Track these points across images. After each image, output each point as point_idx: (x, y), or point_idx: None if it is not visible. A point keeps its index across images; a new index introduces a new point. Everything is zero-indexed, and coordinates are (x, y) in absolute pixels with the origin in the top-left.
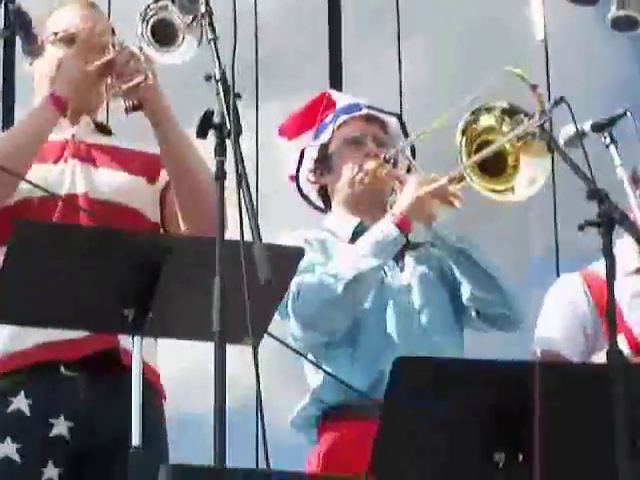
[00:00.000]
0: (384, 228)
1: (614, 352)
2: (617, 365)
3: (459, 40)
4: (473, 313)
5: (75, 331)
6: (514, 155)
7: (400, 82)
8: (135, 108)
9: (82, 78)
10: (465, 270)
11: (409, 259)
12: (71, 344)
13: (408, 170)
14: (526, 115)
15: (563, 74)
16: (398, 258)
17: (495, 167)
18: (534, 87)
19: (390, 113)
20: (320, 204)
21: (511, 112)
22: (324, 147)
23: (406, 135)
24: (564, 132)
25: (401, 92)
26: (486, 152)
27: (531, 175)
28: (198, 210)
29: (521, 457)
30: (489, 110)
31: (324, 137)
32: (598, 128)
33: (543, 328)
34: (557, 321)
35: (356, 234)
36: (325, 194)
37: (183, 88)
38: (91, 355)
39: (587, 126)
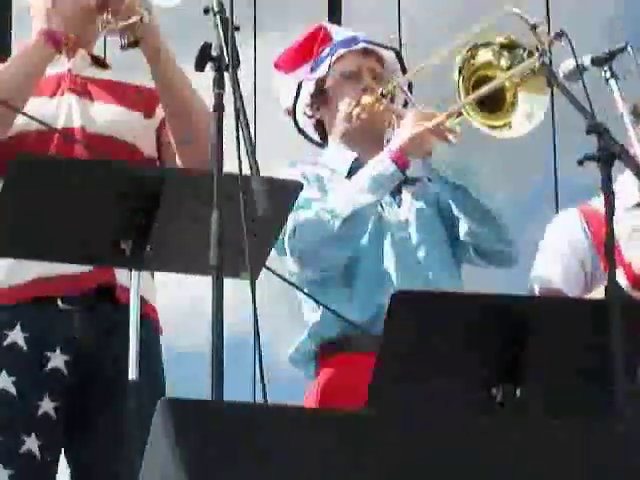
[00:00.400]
0: (381, 163)
1: (613, 286)
2: (616, 299)
3: None
4: (470, 249)
5: (73, 267)
6: (512, 91)
7: (399, 15)
8: (131, 45)
9: (78, 13)
10: (463, 206)
11: (406, 195)
12: (68, 279)
13: (405, 105)
14: (525, 50)
15: (563, 9)
16: (395, 194)
17: (493, 103)
18: (534, 27)
19: (388, 47)
20: (317, 138)
21: (510, 47)
22: (321, 81)
23: (403, 69)
24: (564, 66)
25: (400, 24)
26: (485, 89)
27: (529, 111)
28: (195, 149)
29: (519, 392)
30: (487, 45)
31: (321, 71)
32: (598, 62)
33: (541, 266)
34: (556, 259)
35: (353, 169)
36: (322, 128)
37: (181, 21)
38: (88, 291)
39: (587, 60)
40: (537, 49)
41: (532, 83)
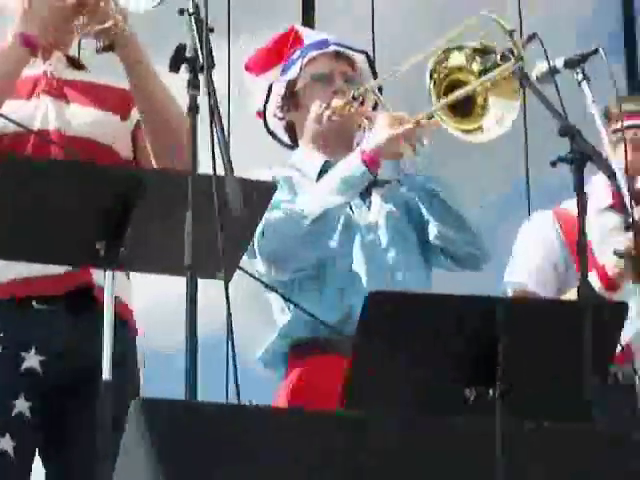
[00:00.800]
0: (351, 164)
1: (585, 287)
2: (588, 300)
3: None
4: (440, 252)
5: (50, 268)
6: (483, 95)
7: (372, 20)
8: (106, 49)
9: (54, 16)
10: (433, 209)
11: (376, 197)
12: (45, 280)
13: (375, 107)
14: (497, 55)
15: (537, 8)
16: (365, 196)
17: (464, 107)
18: (511, 33)
19: (358, 50)
20: (287, 140)
21: (482, 51)
22: (291, 83)
23: (374, 72)
24: (537, 69)
25: (373, 30)
26: (458, 94)
27: (500, 115)
28: (170, 151)
29: (491, 393)
30: (459, 49)
31: (292, 73)
32: (571, 64)
33: (515, 268)
34: (529, 261)
35: (323, 172)
36: (292, 130)
37: (156, 22)
38: (65, 292)
39: (560, 62)
40: (513, 54)
41: (503, 88)
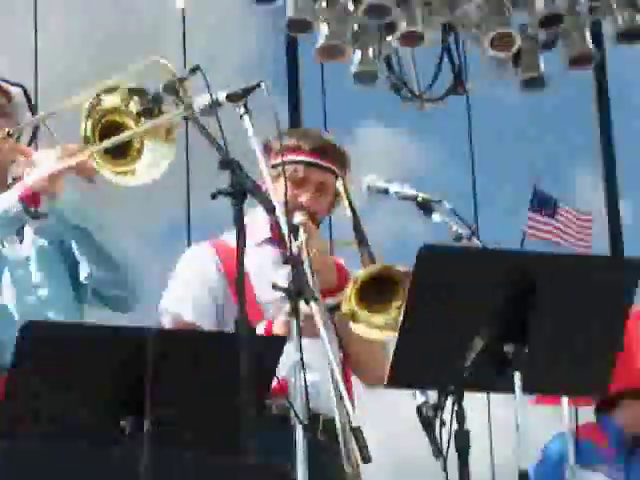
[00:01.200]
0: (8, 202)
1: (242, 319)
2: (245, 332)
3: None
4: (89, 291)
5: None
6: (140, 139)
7: (36, 51)
8: None
9: None
10: (84, 249)
11: (29, 230)
12: None
13: (29, 144)
14: (153, 96)
15: (200, 43)
16: (19, 229)
17: (119, 150)
18: (181, 80)
19: (14, 83)
20: None
21: (139, 92)
22: None
23: (31, 106)
24: (199, 101)
25: (36, 60)
26: (114, 140)
27: (154, 159)
28: None
29: (147, 423)
30: (114, 90)
31: None
32: (233, 98)
33: (172, 299)
34: (187, 292)
35: None
36: None
37: None
38: None
39: (222, 96)
40: (182, 102)
41: (160, 133)
